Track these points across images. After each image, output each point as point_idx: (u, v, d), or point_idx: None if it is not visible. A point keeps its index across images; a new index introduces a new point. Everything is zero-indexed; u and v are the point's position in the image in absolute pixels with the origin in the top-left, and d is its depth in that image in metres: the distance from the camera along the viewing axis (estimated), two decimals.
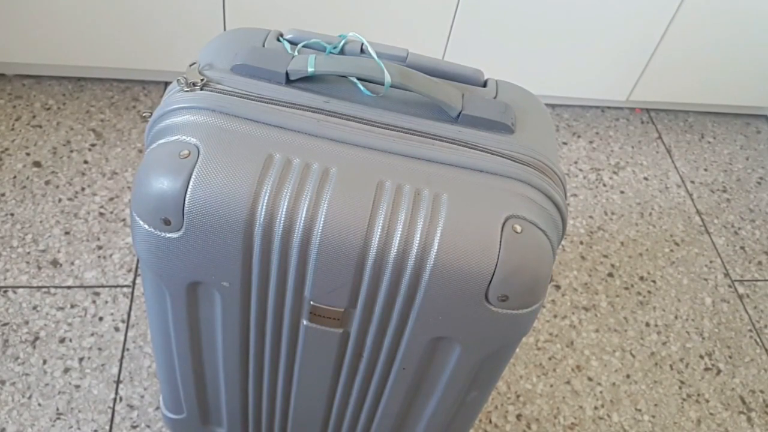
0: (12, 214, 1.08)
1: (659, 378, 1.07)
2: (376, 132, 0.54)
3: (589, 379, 1.05)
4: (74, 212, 1.11)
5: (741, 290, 1.23)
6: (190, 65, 0.57)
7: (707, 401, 1.06)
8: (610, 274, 1.21)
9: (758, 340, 1.16)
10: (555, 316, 1.12)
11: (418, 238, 0.50)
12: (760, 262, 1.29)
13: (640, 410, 1.03)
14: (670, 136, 1.52)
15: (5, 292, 0.99)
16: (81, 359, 0.94)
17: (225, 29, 1.24)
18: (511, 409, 0.99)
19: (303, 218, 0.50)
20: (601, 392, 1.04)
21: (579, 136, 1.47)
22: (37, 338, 0.95)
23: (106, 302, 1.00)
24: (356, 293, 0.53)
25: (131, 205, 0.53)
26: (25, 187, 1.13)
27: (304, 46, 0.60)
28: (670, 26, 1.34)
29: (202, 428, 0.78)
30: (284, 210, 0.50)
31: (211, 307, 0.59)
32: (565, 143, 1.45)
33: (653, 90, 1.47)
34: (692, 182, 1.42)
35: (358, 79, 0.58)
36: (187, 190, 0.50)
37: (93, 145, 1.22)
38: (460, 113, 0.56)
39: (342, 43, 0.60)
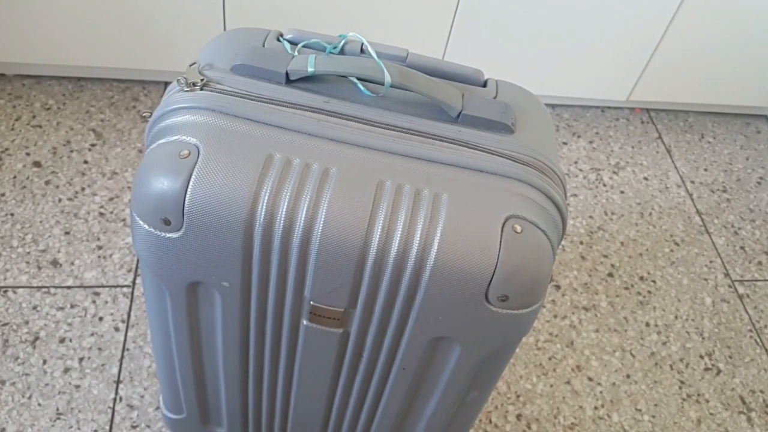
0: (12, 214, 1.08)
1: (659, 378, 1.07)
2: (376, 132, 0.54)
3: (589, 379, 1.05)
4: (74, 212, 1.11)
5: (741, 290, 1.23)
6: (190, 65, 0.57)
7: (707, 401, 1.06)
8: (610, 274, 1.21)
9: (758, 340, 1.16)
10: (555, 316, 1.12)
11: (418, 238, 0.50)
12: (760, 262, 1.29)
13: (640, 410, 1.03)
14: (670, 136, 1.52)
15: (5, 292, 0.99)
16: (81, 359, 0.94)
17: (225, 29, 1.24)
18: (511, 409, 0.99)
19: (303, 218, 0.50)
20: (601, 392, 1.04)
21: (579, 136, 1.47)
22: (37, 338, 0.95)
23: (106, 302, 1.00)
24: (356, 293, 0.53)
25: (131, 205, 0.53)
26: (25, 187, 1.13)
27: (304, 46, 0.60)
28: (670, 26, 1.34)
29: (202, 428, 0.78)
30: (284, 210, 0.50)
31: (211, 307, 0.59)
32: (565, 143, 1.45)
33: (653, 90, 1.47)
34: (692, 182, 1.42)
35: (358, 79, 0.58)
36: (187, 190, 0.50)
37: (93, 145, 1.22)
38: (460, 113, 0.56)
39: (342, 43, 0.60)
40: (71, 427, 0.88)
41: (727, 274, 1.25)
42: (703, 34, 1.36)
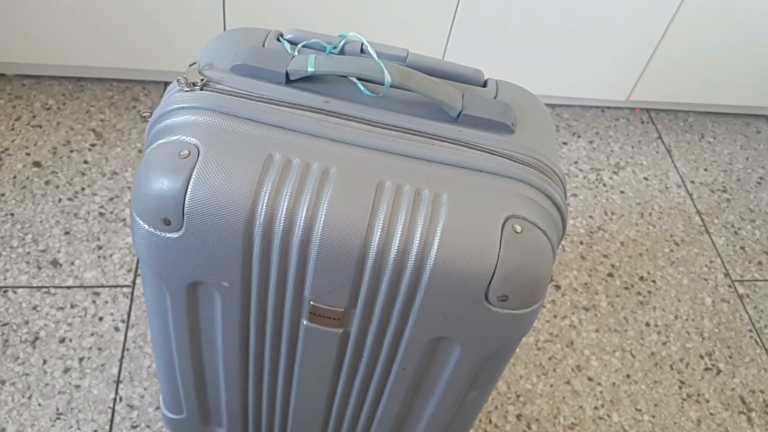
0: (12, 214, 1.08)
1: (659, 378, 1.07)
2: (376, 132, 0.54)
3: (589, 379, 1.05)
4: (74, 212, 1.11)
5: (741, 290, 1.23)
6: (190, 65, 0.57)
7: (707, 401, 1.06)
8: (610, 274, 1.21)
9: (758, 340, 1.16)
10: (555, 316, 1.12)
11: (418, 238, 0.50)
12: (760, 262, 1.29)
13: (640, 410, 1.03)
14: (670, 136, 1.52)
15: (5, 292, 0.99)
16: (81, 359, 0.94)
17: (225, 29, 1.24)
18: (511, 409, 0.99)
19: (303, 218, 0.50)
20: (601, 392, 1.04)
21: (579, 136, 1.47)
22: (37, 338, 0.95)
23: (106, 302, 1.00)
24: (356, 293, 0.53)
25: (131, 205, 0.53)
26: (25, 187, 1.13)
27: (304, 46, 0.60)
28: (670, 26, 1.34)
29: (202, 428, 0.78)
30: (284, 210, 0.50)
31: (211, 307, 0.59)
32: (565, 143, 1.45)
33: (653, 90, 1.47)
34: (692, 182, 1.42)
35: (358, 79, 0.58)
36: (187, 190, 0.50)
37: (93, 145, 1.22)
38: (460, 113, 0.56)
39: (342, 43, 0.60)
40: (71, 427, 0.88)
41: (727, 274, 1.25)
42: (703, 34, 1.36)
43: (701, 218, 1.35)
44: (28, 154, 1.18)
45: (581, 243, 1.25)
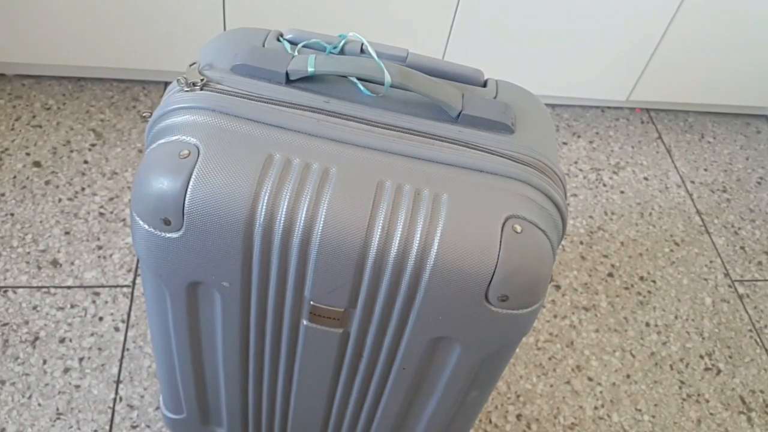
0: (12, 214, 1.08)
1: (659, 378, 1.07)
2: (376, 132, 0.54)
3: (589, 379, 1.05)
4: (74, 212, 1.11)
5: (741, 290, 1.23)
6: (190, 65, 0.57)
7: (707, 401, 1.06)
8: (610, 274, 1.21)
9: (758, 340, 1.16)
10: (555, 316, 1.12)
11: (418, 238, 0.50)
12: (760, 262, 1.29)
13: (640, 410, 1.03)
14: (670, 136, 1.52)
15: (5, 292, 0.99)
16: (81, 359, 0.94)
17: (225, 29, 1.24)
18: (511, 409, 0.99)
19: (303, 218, 0.50)
20: (601, 392, 1.04)
21: (579, 136, 1.47)
22: (37, 338, 0.95)
23: (106, 302, 1.00)
24: (356, 293, 0.53)
25: (131, 205, 0.53)
26: (25, 187, 1.13)
27: (304, 46, 0.60)
28: (670, 26, 1.34)
29: (202, 428, 0.78)
30: (284, 210, 0.50)
31: (211, 307, 0.59)
32: (565, 143, 1.45)
33: (653, 90, 1.47)
34: (692, 182, 1.42)
35: (358, 79, 0.58)
36: (187, 190, 0.50)
37: (93, 145, 1.22)
38: (460, 113, 0.56)
39: (342, 43, 0.60)
40: (71, 427, 0.88)
41: (727, 274, 1.25)
42: (703, 34, 1.36)
43: (701, 218, 1.35)
44: (28, 154, 1.18)
45: (581, 243, 1.25)
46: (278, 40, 0.60)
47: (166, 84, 1.37)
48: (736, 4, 1.31)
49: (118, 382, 0.93)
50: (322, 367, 0.62)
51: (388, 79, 0.54)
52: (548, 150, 0.58)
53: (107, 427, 0.88)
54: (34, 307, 0.98)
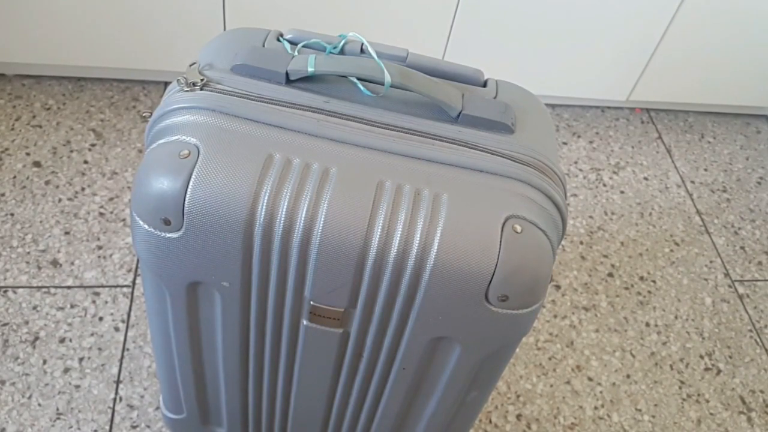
0: (12, 214, 1.09)
1: (659, 378, 1.07)
2: (376, 132, 0.54)
3: (589, 379, 1.05)
4: (74, 212, 1.11)
5: (741, 290, 1.23)
6: (190, 65, 0.57)
7: (707, 401, 1.06)
8: (610, 274, 1.21)
9: (758, 340, 1.16)
10: (555, 316, 1.12)
11: (418, 238, 0.50)
12: (760, 262, 1.29)
13: (640, 410, 1.03)
14: (670, 136, 1.52)
15: (5, 292, 0.99)
16: (81, 359, 0.94)
17: (225, 29, 1.24)
18: (511, 409, 0.99)
19: (303, 218, 0.50)
20: (601, 392, 1.04)
21: (579, 136, 1.47)
22: (37, 338, 0.95)
23: (106, 302, 1.00)
24: (356, 293, 0.53)
25: (131, 205, 0.53)
26: (25, 187, 1.13)
27: (304, 46, 0.60)
28: (670, 26, 1.34)
29: (202, 428, 0.78)
30: (284, 210, 0.50)
31: (211, 307, 0.59)
32: (565, 143, 1.45)
33: (653, 90, 1.47)
34: (692, 182, 1.42)
35: (358, 79, 0.58)
36: (187, 190, 0.50)
37: (93, 145, 1.22)
38: (460, 113, 0.56)
39: (342, 43, 0.60)
40: (71, 427, 0.88)
41: (727, 274, 1.25)
42: (703, 34, 1.36)
43: (701, 218, 1.35)
44: (28, 154, 1.18)
45: (581, 243, 1.25)
46: (278, 40, 0.60)
47: (166, 84, 1.37)
48: (736, 4, 1.31)
49: (118, 382, 0.93)
50: (322, 367, 0.62)
51: (388, 79, 0.54)
52: (548, 150, 0.58)
53: (107, 427, 0.88)
54: (34, 307, 0.98)
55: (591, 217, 1.30)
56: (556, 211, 0.55)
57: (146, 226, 0.52)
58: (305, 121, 0.53)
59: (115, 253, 1.06)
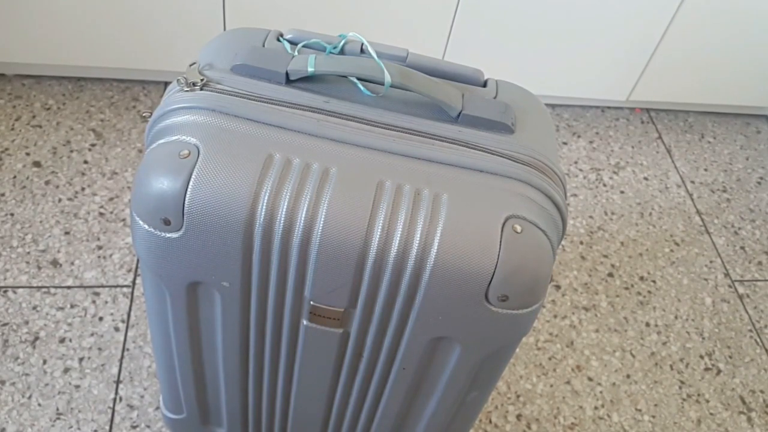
0: (12, 214, 1.09)
1: (659, 378, 1.07)
2: (376, 132, 0.54)
3: (589, 379, 1.05)
4: (74, 212, 1.11)
5: (741, 290, 1.23)
6: (190, 65, 0.57)
7: (707, 401, 1.06)
8: (610, 274, 1.21)
9: (758, 340, 1.16)
10: (555, 316, 1.12)
11: (418, 238, 0.50)
12: (760, 262, 1.29)
13: (640, 410, 1.03)
14: (670, 136, 1.52)
15: (5, 292, 0.99)
16: (81, 359, 0.94)
17: (225, 29, 1.24)
18: (511, 409, 0.99)
19: (303, 218, 0.50)
20: (601, 392, 1.04)
21: (579, 136, 1.47)
22: (37, 338, 0.95)
23: (106, 302, 1.00)
24: (356, 293, 0.53)
25: (131, 205, 0.53)
26: (25, 187, 1.13)
27: (304, 46, 0.60)
28: (670, 26, 1.34)
29: (202, 428, 0.78)
30: (284, 210, 0.50)
31: (211, 307, 0.59)
32: (565, 143, 1.45)
33: (653, 90, 1.47)
34: (692, 182, 1.42)
35: (358, 79, 0.58)
36: (187, 190, 0.50)
37: (93, 145, 1.22)
38: (460, 113, 0.56)
39: (342, 43, 0.60)
40: (71, 427, 0.88)
41: (727, 274, 1.25)
42: (703, 34, 1.36)
43: (701, 218, 1.35)
44: (28, 154, 1.18)
45: (581, 243, 1.25)
46: (278, 40, 0.60)
47: (166, 84, 1.37)
48: (736, 4, 1.31)
49: (118, 382, 0.93)
50: (322, 367, 0.62)
51: (388, 79, 0.54)
52: (548, 150, 0.58)
53: (107, 427, 0.88)
54: (34, 307, 0.98)
55: (591, 217, 1.30)
56: (556, 211, 0.55)
57: (146, 226, 0.52)
58: (305, 121, 0.53)
59: (115, 253, 1.06)
